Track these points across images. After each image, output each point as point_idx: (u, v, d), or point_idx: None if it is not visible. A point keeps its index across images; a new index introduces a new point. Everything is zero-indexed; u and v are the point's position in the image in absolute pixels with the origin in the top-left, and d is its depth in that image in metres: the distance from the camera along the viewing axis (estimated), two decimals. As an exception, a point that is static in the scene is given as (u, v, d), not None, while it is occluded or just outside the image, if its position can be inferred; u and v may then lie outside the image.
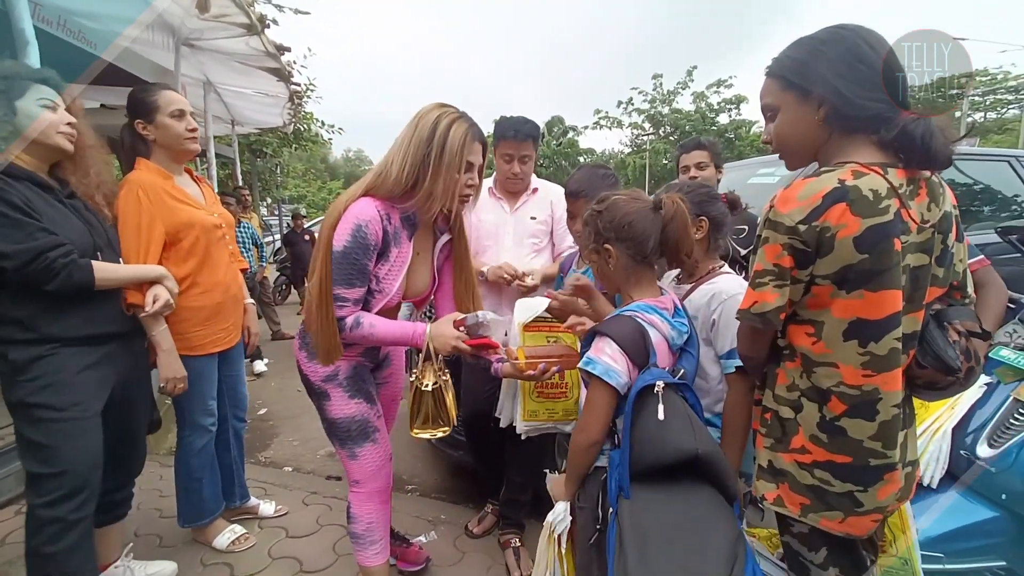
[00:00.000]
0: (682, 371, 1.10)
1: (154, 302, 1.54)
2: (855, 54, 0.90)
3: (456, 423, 1.49)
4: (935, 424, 1.53)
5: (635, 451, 1.01)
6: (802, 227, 0.88)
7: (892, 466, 0.94)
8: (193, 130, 1.78)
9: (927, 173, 0.93)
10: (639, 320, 1.09)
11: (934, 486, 1.49)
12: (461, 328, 1.40)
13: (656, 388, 1.02)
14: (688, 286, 1.37)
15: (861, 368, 0.91)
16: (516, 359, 1.40)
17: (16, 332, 1.34)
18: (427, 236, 1.52)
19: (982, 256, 1.43)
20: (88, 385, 1.43)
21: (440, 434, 1.45)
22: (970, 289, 1.03)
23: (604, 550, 1.04)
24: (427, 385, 1.40)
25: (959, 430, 1.54)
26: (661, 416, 0.99)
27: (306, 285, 1.37)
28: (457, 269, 1.58)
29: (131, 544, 1.88)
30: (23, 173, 1.35)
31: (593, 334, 1.13)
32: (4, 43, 1.78)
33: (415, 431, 1.45)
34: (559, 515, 1.18)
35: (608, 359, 1.06)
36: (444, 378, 1.43)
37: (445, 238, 1.55)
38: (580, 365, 1.11)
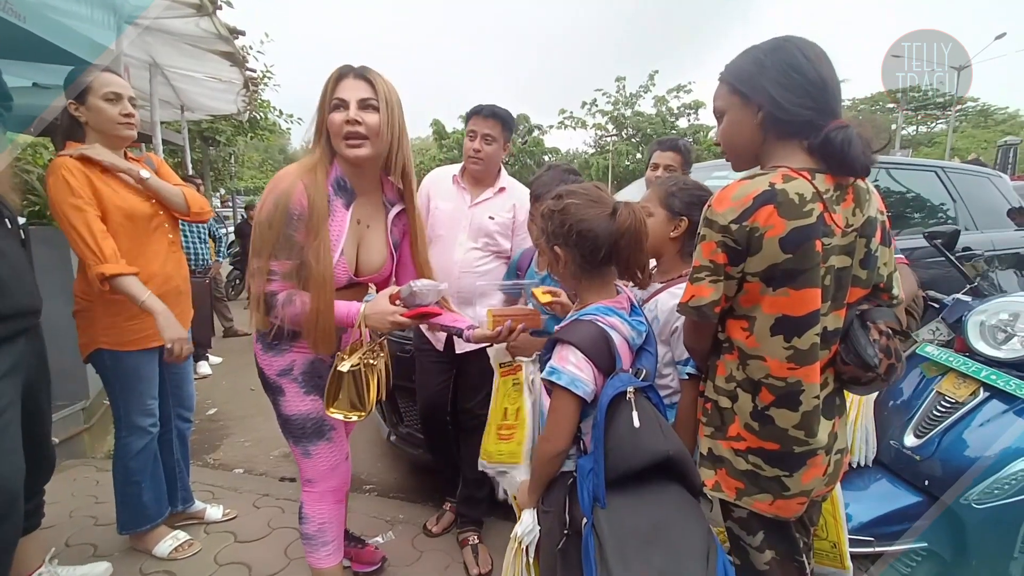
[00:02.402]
0: (644, 371, 1.10)
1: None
2: (791, 64, 0.96)
3: (375, 411, 1.44)
4: (859, 413, 1.63)
5: (609, 459, 0.99)
6: (734, 226, 0.94)
7: (814, 452, 1.00)
8: (128, 115, 1.69)
9: (853, 179, 0.99)
10: (600, 324, 1.07)
11: (870, 464, 1.61)
12: (397, 302, 1.33)
13: (628, 395, 1.01)
14: (659, 284, 1.36)
15: (786, 361, 0.97)
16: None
17: None
18: (374, 206, 1.45)
19: (900, 255, 1.55)
20: (12, 390, 1.33)
21: (355, 418, 1.36)
22: (896, 291, 1.10)
23: (571, 557, 1.03)
24: (344, 366, 1.30)
25: (887, 421, 1.66)
26: (637, 424, 0.98)
27: (248, 266, 1.31)
28: (414, 243, 1.53)
29: (53, 549, 1.76)
30: None
31: (554, 342, 1.11)
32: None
33: (330, 410, 1.35)
34: (528, 526, 1.15)
35: (573, 368, 1.04)
36: (372, 361, 1.35)
37: (396, 208, 1.49)
38: (544, 375, 1.09)
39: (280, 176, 1.30)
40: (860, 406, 1.61)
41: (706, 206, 0.99)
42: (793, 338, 0.96)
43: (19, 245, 1.44)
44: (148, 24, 3.34)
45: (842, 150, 0.93)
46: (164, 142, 4.97)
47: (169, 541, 1.90)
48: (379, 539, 2.03)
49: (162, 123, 4.81)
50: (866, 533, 1.48)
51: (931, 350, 1.74)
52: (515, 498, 1.32)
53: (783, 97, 0.96)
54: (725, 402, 1.06)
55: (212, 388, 4.04)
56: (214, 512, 2.12)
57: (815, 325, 0.96)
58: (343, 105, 1.28)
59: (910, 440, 1.58)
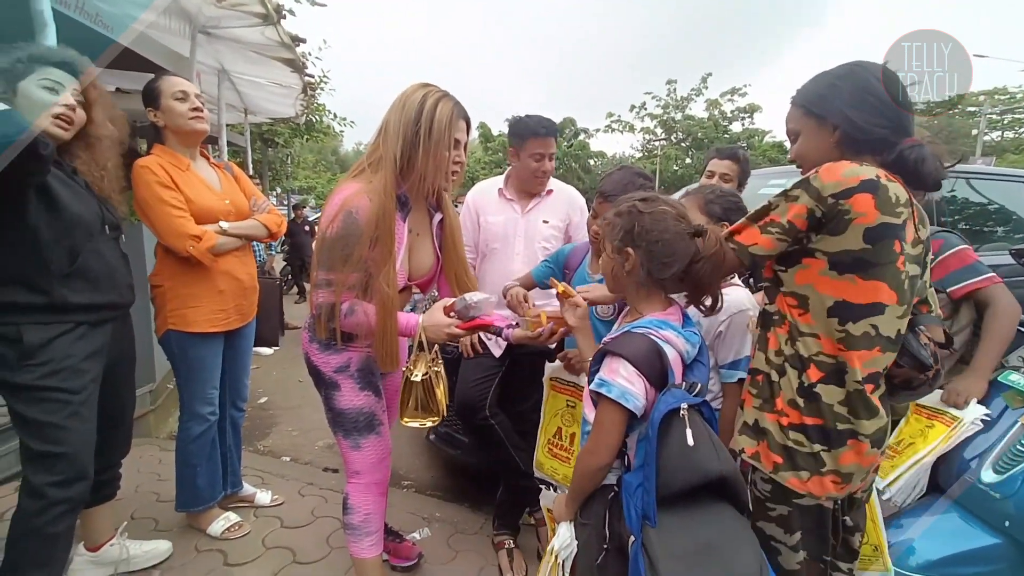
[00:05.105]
0: (699, 386, 1.05)
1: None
2: (865, 87, 1.05)
3: (447, 414, 1.48)
4: (925, 456, 1.49)
5: (660, 477, 0.96)
6: (830, 200, 0.98)
7: (855, 434, 1.03)
8: (196, 109, 1.80)
9: (923, 195, 1.05)
10: (654, 338, 1.04)
11: (906, 508, 1.49)
12: (452, 314, 1.39)
13: (681, 411, 0.98)
14: None
15: (836, 343, 1.03)
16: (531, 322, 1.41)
17: (23, 294, 1.32)
18: (423, 216, 1.52)
19: (992, 273, 1.41)
20: (94, 369, 1.45)
21: (430, 423, 1.45)
22: (933, 305, 1.18)
23: (609, 573, 1.02)
24: (416, 375, 1.40)
25: (958, 453, 1.51)
26: (691, 442, 0.95)
27: (312, 276, 1.37)
28: (451, 248, 1.58)
29: (125, 523, 1.89)
30: None
31: (603, 353, 1.08)
32: (23, 25, 1.79)
33: (405, 419, 1.46)
34: (565, 540, 1.13)
35: (624, 381, 1.01)
36: (436, 369, 1.44)
37: (439, 216, 1.56)
38: (592, 387, 1.06)
39: (349, 195, 1.31)
40: (933, 451, 1.48)
41: (813, 172, 1.01)
42: (848, 323, 1.01)
43: (115, 248, 1.56)
44: (218, 33, 3.56)
45: (915, 167, 1.01)
46: (228, 143, 5.28)
47: (221, 522, 2.00)
48: (415, 535, 2.06)
49: (227, 125, 5.11)
50: (935, 573, 1.36)
51: (1016, 378, 1.58)
52: (548, 510, 1.31)
53: (858, 117, 1.05)
54: (775, 376, 1.10)
55: (264, 378, 4.25)
56: (263, 497, 2.22)
57: (873, 316, 1.01)
58: (458, 145, 1.40)
59: (988, 476, 1.44)
